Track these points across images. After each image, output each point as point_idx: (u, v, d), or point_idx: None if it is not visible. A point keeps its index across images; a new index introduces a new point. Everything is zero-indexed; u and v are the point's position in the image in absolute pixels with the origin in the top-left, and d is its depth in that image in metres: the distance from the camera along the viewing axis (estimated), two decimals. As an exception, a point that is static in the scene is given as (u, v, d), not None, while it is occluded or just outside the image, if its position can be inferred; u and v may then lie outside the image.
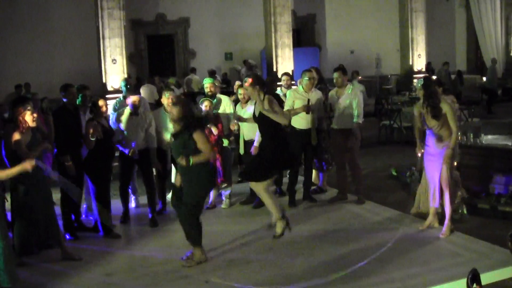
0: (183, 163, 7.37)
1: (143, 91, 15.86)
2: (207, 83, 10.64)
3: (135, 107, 9.64)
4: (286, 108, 10.28)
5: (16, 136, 7.40)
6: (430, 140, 8.47)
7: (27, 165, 6.75)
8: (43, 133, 8.46)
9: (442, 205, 8.58)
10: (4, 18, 22.05)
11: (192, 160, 7.35)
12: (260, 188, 8.11)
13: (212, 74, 23.36)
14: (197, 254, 7.72)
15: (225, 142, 10.29)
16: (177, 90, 18.24)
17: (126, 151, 9.50)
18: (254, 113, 8.35)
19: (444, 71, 23.01)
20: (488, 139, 10.26)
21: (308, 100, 10.06)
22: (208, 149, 7.47)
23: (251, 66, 23.84)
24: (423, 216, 9.06)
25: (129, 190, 10.40)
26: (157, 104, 13.19)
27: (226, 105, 10.54)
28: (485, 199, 9.64)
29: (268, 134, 8.27)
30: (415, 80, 22.63)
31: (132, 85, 11.40)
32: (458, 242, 8.18)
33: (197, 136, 7.39)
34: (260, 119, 8.21)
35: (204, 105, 10.02)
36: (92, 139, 8.73)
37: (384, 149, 10.00)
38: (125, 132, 9.57)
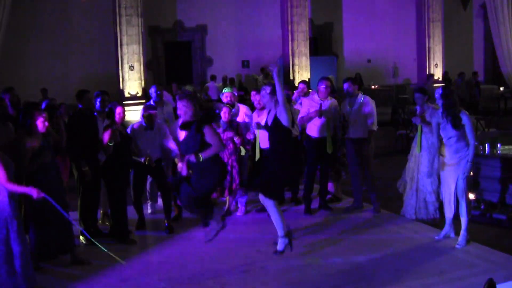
0: (192, 159, 7.38)
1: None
2: (227, 93, 10.69)
3: (150, 122, 9.69)
4: (300, 115, 10.32)
5: (27, 142, 7.42)
6: (447, 150, 8.44)
7: (34, 193, 6.85)
8: (55, 138, 8.54)
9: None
10: (24, 25, 22.22)
11: (201, 156, 7.35)
12: (270, 203, 8.07)
13: (230, 82, 23.46)
14: (213, 224, 7.69)
15: (243, 151, 10.32)
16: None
17: (142, 159, 9.52)
18: (266, 121, 8.32)
19: (459, 81, 22.96)
20: (505, 149, 10.20)
21: (320, 104, 10.08)
22: (217, 143, 7.46)
23: (268, 74, 23.83)
24: (438, 225, 9.06)
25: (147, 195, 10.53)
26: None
27: (245, 114, 10.58)
28: (502, 209, 9.60)
29: (278, 145, 8.15)
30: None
31: (162, 92, 11.45)
32: (475, 253, 8.14)
33: (206, 130, 7.41)
34: (272, 128, 8.14)
35: (223, 111, 10.05)
36: (110, 144, 8.76)
37: (400, 158, 9.98)
38: (137, 143, 9.62)
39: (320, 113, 10.04)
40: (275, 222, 8.02)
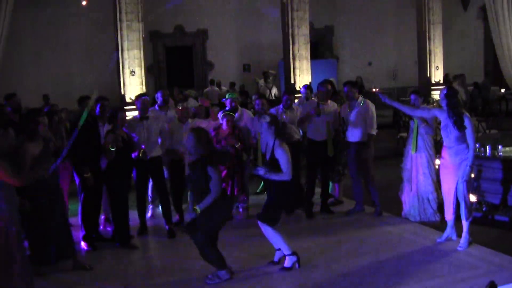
0: (191, 216, 7.38)
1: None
2: (231, 98, 10.70)
3: (143, 110, 9.71)
4: (299, 117, 10.37)
5: (27, 148, 7.42)
6: (446, 153, 8.44)
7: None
8: (55, 144, 8.56)
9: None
10: (25, 32, 22.24)
11: (199, 209, 7.31)
12: (267, 228, 8.07)
13: (231, 86, 23.48)
14: (222, 273, 7.66)
15: (244, 157, 10.32)
16: (194, 101, 18.25)
17: (135, 154, 9.44)
18: (264, 152, 8.24)
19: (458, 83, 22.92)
20: (506, 150, 10.19)
21: (318, 103, 10.09)
22: (216, 189, 7.35)
23: (269, 76, 23.84)
24: (439, 227, 9.07)
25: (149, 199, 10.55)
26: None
27: (247, 119, 10.60)
28: (504, 211, 9.59)
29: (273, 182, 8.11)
30: (433, 92, 22.53)
31: (168, 97, 11.46)
32: (477, 255, 8.14)
33: (211, 172, 7.33)
34: (270, 163, 8.03)
35: (226, 120, 10.06)
36: (112, 149, 8.77)
37: (402, 161, 10.00)
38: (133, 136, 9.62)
39: (318, 111, 10.04)
40: (280, 245, 8.01)
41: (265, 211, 8.02)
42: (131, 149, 9.23)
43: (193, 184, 7.45)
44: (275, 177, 7.71)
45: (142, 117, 9.79)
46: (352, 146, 10.35)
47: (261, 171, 7.46)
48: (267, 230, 8.02)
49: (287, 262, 7.95)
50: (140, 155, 9.34)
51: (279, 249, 8.08)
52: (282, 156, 7.73)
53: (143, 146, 9.41)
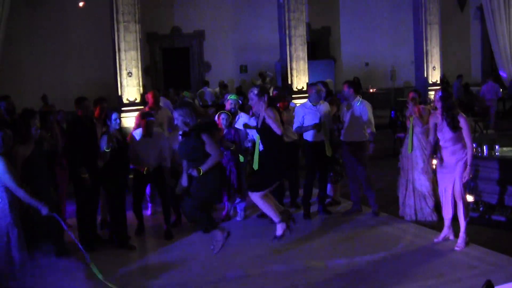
0: (194, 174, 7.42)
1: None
2: (232, 100, 10.69)
3: (147, 130, 9.71)
4: (296, 124, 10.32)
5: (18, 150, 7.42)
6: (443, 153, 8.45)
7: (44, 210, 6.99)
8: (52, 145, 8.57)
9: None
10: (22, 33, 22.23)
11: (202, 170, 7.39)
12: (256, 197, 8.13)
13: (224, 87, 23.51)
14: (218, 236, 7.71)
15: (241, 158, 10.32)
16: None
17: (141, 170, 9.56)
18: (257, 124, 8.41)
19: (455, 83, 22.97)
20: (503, 151, 10.22)
21: (320, 118, 10.09)
22: (216, 152, 7.51)
23: (266, 77, 23.89)
24: (436, 227, 9.09)
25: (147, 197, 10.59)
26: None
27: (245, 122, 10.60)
28: (501, 211, 9.61)
29: (269, 145, 8.30)
30: (430, 92, 22.58)
31: (158, 98, 11.48)
32: (474, 254, 8.15)
33: (205, 138, 7.44)
34: (262, 130, 8.25)
35: (221, 118, 10.07)
36: (106, 150, 8.78)
37: (399, 160, 10.03)
38: (135, 150, 9.66)
39: (319, 127, 10.05)
40: (267, 211, 8.07)
41: (254, 181, 8.12)
42: (126, 150, 9.25)
43: (189, 152, 7.50)
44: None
45: (145, 135, 9.79)
46: (349, 146, 10.35)
47: (194, 172, 7.48)
48: (256, 199, 8.06)
49: (278, 230, 7.99)
50: (145, 172, 9.45)
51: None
52: (271, 118, 7.91)
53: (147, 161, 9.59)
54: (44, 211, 6.93)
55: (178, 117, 7.57)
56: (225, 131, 10.10)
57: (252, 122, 10.06)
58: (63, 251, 8.09)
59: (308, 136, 10.34)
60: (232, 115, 10.41)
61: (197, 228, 8.27)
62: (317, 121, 10.05)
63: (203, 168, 7.40)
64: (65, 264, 7.27)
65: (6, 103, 10.51)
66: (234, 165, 10.14)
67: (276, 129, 7.97)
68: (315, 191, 10.76)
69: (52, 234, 7.81)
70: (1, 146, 6.75)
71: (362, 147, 10.30)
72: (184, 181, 7.81)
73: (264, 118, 8.02)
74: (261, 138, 8.38)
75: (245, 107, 12.36)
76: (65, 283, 6.98)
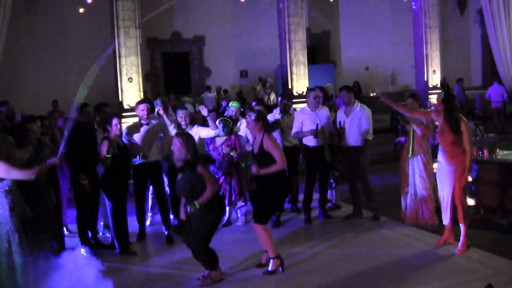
0: (192, 211, 7.41)
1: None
2: (233, 107, 10.69)
3: (144, 116, 9.74)
4: (294, 129, 10.33)
5: (16, 154, 7.41)
6: (443, 156, 8.46)
7: (54, 161, 7.00)
8: (53, 150, 8.58)
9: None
10: (23, 39, 22.27)
11: (198, 205, 7.36)
12: (259, 227, 8.09)
13: (224, 92, 23.53)
14: (213, 274, 7.73)
15: (242, 164, 10.32)
16: (190, 107, 18.30)
17: (137, 157, 9.51)
18: (252, 149, 8.30)
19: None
20: (504, 154, 10.22)
21: (317, 124, 10.09)
22: (212, 185, 7.48)
23: (266, 83, 23.91)
24: (437, 231, 9.10)
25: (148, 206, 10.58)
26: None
27: (247, 129, 10.60)
28: (501, 214, 9.60)
29: (267, 176, 8.09)
30: (430, 96, 22.58)
31: (167, 104, 11.48)
32: (475, 258, 8.15)
33: (202, 172, 7.44)
34: (259, 156, 8.11)
35: (222, 125, 10.06)
36: (107, 155, 8.78)
37: (399, 165, 10.02)
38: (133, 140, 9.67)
39: (316, 133, 10.05)
40: (266, 245, 8.04)
41: (256, 210, 8.09)
42: (127, 156, 9.26)
43: (185, 186, 7.49)
44: (271, 169, 7.75)
45: (142, 123, 9.82)
46: (349, 150, 10.36)
47: (188, 208, 7.46)
48: (257, 230, 8.05)
49: (271, 266, 7.98)
50: (141, 157, 9.41)
51: (266, 251, 8.13)
52: (273, 148, 7.85)
53: (138, 157, 9.55)
54: (55, 161, 6.92)
55: (177, 144, 7.53)
56: (225, 138, 10.10)
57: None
58: (63, 247, 8.10)
59: (307, 141, 10.35)
60: (234, 122, 10.42)
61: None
62: (314, 126, 10.06)
63: (198, 202, 7.39)
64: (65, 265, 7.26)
65: (5, 109, 10.53)
66: (235, 171, 10.14)
67: (280, 162, 7.89)
68: (315, 196, 10.76)
69: (53, 230, 7.80)
70: None
71: (361, 151, 10.30)
72: (182, 215, 7.78)
73: (261, 145, 7.94)
74: (258, 163, 8.20)
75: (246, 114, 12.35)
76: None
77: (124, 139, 9.59)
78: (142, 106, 9.86)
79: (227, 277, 7.88)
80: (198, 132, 9.89)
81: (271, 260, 7.99)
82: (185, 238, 7.85)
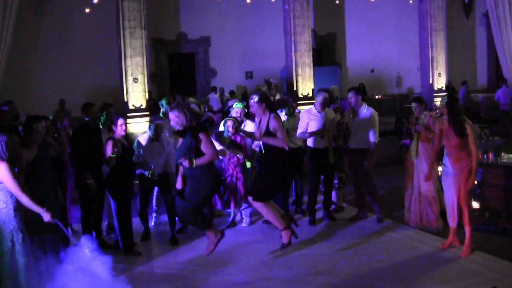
0: (185, 164, 7.44)
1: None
2: (238, 108, 10.69)
3: (156, 132, 9.75)
4: (300, 129, 10.35)
5: (22, 154, 7.42)
6: (448, 159, 8.45)
7: (46, 217, 6.86)
8: (58, 151, 8.60)
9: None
10: (29, 39, 22.29)
11: (195, 162, 7.40)
12: (259, 205, 8.13)
13: (231, 93, 23.53)
14: (211, 237, 7.74)
15: (248, 164, 10.33)
16: (196, 108, 18.32)
17: (146, 173, 9.60)
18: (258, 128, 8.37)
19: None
20: (509, 157, 10.20)
21: (324, 125, 10.10)
22: (211, 151, 7.56)
23: (271, 84, 23.92)
24: (442, 234, 9.09)
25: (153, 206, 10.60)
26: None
27: (251, 129, 10.59)
28: (506, 218, 9.59)
29: (271, 152, 8.24)
30: (435, 99, 22.56)
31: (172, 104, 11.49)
32: (479, 261, 8.14)
33: (201, 137, 7.47)
34: (267, 136, 8.21)
35: (228, 125, 10.06)
36: (112, 155, 8.79)
37: (404, 167, 10.02)
38: (142, 154, 9.69)
39: (323, 133, 10.07)
40: (271, 219, 8.07)
41: (255, 189, 8.12)
42: (131, 156, 9.27)
43: (186, 152, 7.51)
44: (272, 141, 7.78)
45: (153, 139, 9.82)
46: (354, 152, 10.36)
47: (185, 162, 7.50)
48: (259, 207, 8.08)
49: (284, 238, 8.00)
50: (150, 176, 9.46)
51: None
52: (279, 127, 7.89)
53: (152, 166, 9.62)
54: (46, 217, 6.91)
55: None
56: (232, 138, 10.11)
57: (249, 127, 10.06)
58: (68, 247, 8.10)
59: (312, 142, 10.35)
60: (238, 123, 10.42)
61: (203, 234, 8.27)
62: (321, 127, 10.08)
63: (197, 162, 7.43)
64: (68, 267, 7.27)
65: (10, 108, 10.51)
66: (241, 171, 10.14)
67: (281, 139, 7.94)
68: (320, 197, 10.76)
69: (57, 229, 7.79)
70: (5, 151, 6.73)
71: (367, 153, 10.29)
72: (178, 184, 7.85)
73: (267, 126, 7.99)
74: (263, 145, 8.33)
75: (250, 115, 12.35)
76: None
77: (135, 150, 9.63)
78: (154, 124, 9.85)
79: (232, 279, 7.88)
80: None
81: (282, 233, 8.00)
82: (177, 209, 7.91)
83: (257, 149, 10.27)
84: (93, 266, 7.31)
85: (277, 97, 22.64)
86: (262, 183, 8.34)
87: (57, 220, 7.09)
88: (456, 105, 8.40)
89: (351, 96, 10.45)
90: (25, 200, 6.74)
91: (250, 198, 8.43)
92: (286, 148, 8.14)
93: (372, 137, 10.27)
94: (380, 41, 28.60)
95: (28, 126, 7.83)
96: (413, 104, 9.92)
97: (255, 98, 8.13)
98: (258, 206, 8.18)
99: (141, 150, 9.72)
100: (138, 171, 9.73)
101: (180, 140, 7.81)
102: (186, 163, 7.46)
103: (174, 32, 25.68)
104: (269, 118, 8.05)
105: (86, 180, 9.02)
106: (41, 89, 22.27)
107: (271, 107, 8.21)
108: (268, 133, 8.05)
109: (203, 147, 7.47)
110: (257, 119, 8.47)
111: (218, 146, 9.70)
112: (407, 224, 9.93)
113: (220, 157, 9.79)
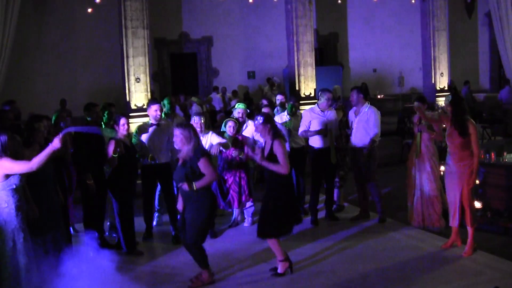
0: (185, 188, 7.42)
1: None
2: (240, 109, 10.70)
3: (155, 117, 9.77)
4: (302, 128, 10.34)
5: (23, 154, 7.41)
6: (451, 159, 8.45)
7: (56, 143, 6.66)
8: (61, 150, 8.60)
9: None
10: (31, 39, 22.31)
11: (195, 185, 7.38)
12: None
13: (233, 93, 23.55)
14: (204, 276, 7.75)
15: (251, 164, 10.34)
16: (198, 107, 18.33)
17: (146, 160, 9.54)
18: (263, 152, 8.25)
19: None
20: (511, 157, 10.20)
21: (327, 124, 10.10)
22: (211, 173, 7.49)
23: (274, 84, 23.92)
24: (444, 233, 9.09)
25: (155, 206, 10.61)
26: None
27: (253, 130, 10.60)
28: (508, 217, 9.58)
29: (275, 179, 7.98)
30: (438, 99, 22.56)
31: (174, 104, 11.49)
32: (481, 261, 8.14)
33: (202, 163, 7.44)
34: (267, 159, 8.06)
35: (229, 125, 10.07)
36: (114, 155, 8.79)
37: (406, 167, 10.01)
38: (145, 143, 9.71)
39: (325, 132, 10.07)
40: (273, 248, 8.03)
41: (262, 224, 8.04)
42: (134, 156, 9.27)
43: (186, 172, 7.49)
44: (272, 166, 7.73)
45: (153, 123, 9.84)
46: (357, 151, 10.35)
47: (185, 186, 7.48)
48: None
49: (280, 268, 7.98)
50: (149, 159, 9.43)
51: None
52: (281, 154, 7.79)
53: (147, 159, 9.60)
54: (56, 144, 6.82)
55: (179, 135, 7.54)
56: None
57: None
58: (70, 247, 8.11)
59: (314, 142, 10.35)
60: (240, 123, 10.43)
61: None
62: (321, 127, 10.08)
63: (197, 185, 7.41)
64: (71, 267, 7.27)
65: (12, 108, 10.53)
66: (244, 171, 10.14)
67: (284, 165, 7.83)
68: (322, 197, 10.76)
69: (59, 229, 7.80)
70: (5, 150, 6.72)
71: (370, 152, 10.28)
72: (179, 205, 7.82)
73: (271, 148, 7.89)
74: (266, 170, 8.17)
75: (253, 114, 12.36)
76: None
77: (134, 139, 9.63)
78: (155, 107, 9.86)
79: (234, 279, 7.89)
80: (211, 140, 9.85)
81: (280, 263, 7.99)
82: (180, 234, 7.87)
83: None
84: (95, 265, 7.34)
85: (279, 97, 22.65)
86: (268, 217, 8.13)
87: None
88: (461, 105, 8.39)
89: (352, 94, 10.46)
90: (40, 160, 6.67)
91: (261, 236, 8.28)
92: (285, 172, 7.94)
93: (371, 133, 10.21)
94: (382, 40, 28.61)
95: (29, 125, 7.82)
96: (415, 103, 9.89)
97: (260, 120, 8.04)
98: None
99: (141, 137, 9.73)
100: (143, 162, 9.68)
101: (180, 161, 7.75)
102: (185, 186, 7.43)
103: (176, 31, 25.71)
104: (272, 142, 7.92)
105: (86, 180, 9.02)
106: (43, 88, 22.31)
107: (275, 130, 8.07)
108: (271, 156, 7.90)
109: (203, 169, 7.43)
110: (264, 140, 8.31)
111: (222, 140, 9.72)
112: (409, 224, 9.93)
113: (223, 150, 9.81)
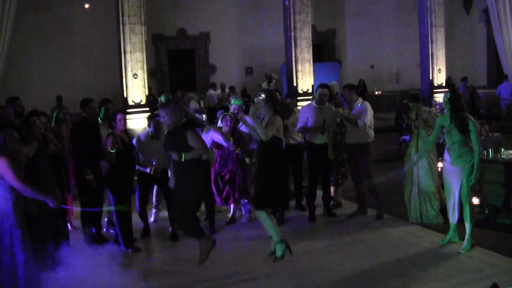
0: (174, 157, 7.47)
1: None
2: (236, 104, 10.68)
3: (156, 130, 9.77)
4: (300, 124, 10.33)
5: (21, 150, 7.41)
6: (450, 155, 8.43)
7: (51, 203, 6.85)
8: (58, 147, 8.59)
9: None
10: (29, 35, 22.31)
11: (185, 155, 7.42)
12: (259, 213, 8.08)
13: (231, 89, 23.53)
14: (203, 244, 7.74)
15: (247, 160, 10.33)
16: (196, 104, 18.33)
17: (147, 170, 9.59)
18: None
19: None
20: (509, 153, 10.19)
21: (324, 120, 10.08)
22: (200, 146, 7.59)
23: (272, 79, 23.92)
24: (442, 230, 9.09)
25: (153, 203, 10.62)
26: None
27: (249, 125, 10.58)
28: (506, 214, 9.58)
29: (267, 152, 8.13)
30: (435, 95, 22.57)
31: (171, 100, 11.49)
32: (479, 257, 8.14)
33: (189, 134, 7.49)
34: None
35: (225, 120, 10.06)
36: (111, 151, 8.78)
37: (404, 163, 10.01)
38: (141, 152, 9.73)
39: (322, 129, 10.06)
40: (269, 230, 8.03)
41: (255, 196, 8.09)
42: (131, 152, 9.26)
43: (175, 144, 7.52)
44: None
45: (154, 137, 9.83)
46: (353, 148, 10.34)
47: (174, 155, 7.54)
48: (260, 216, 8.04)
49: (278, 251, 7.97)
50: (152, 172, 9.46)
51: (271, 237, 8.11)
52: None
53: (154, 162, 9.60)
54: (52, 204, 6.90)
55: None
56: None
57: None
58: (67, 243, 8.11)
59: (311, 138, 10.34)
60: (236, 119, 10.41)
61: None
62: (320, 123, 10.07)
63: (186, 155, 7.46)
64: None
65: (15, 105, 10.52)
66: (240, 167, 10.14)
67: (261, 133, 7.88)
68: (319, 193, 10.76)
69: (57, 225, 7.80)
70: (3, 147, 6.71)
71: (366, 149, 10.27)
72: (171, 183, 7.86)
73: (267, 124, 7.96)
74: (261, 142, 8.22)
75: (249, 109, 12.34)
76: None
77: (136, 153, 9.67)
78: (154, 122, 9.86)
79: (232, 276, 7.88)
80: (212, 137, 9.84)
81: (277, 245, 7.99)
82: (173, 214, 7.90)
83: (255, 146, 10.23)
84: (92, 262, 7.33)
85: (277, 93, 22.63)
86: (263, 187, 8.18)
87: (62, 206, 7.09)
88: (459, 101, 8.37)
89: (344, 92, 10.49)
90: (28, 191, 6.72)
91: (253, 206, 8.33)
92: (264, 138, 8.01)
93: (367, 131, 10.18)
94: (380, 37, 28.66)
95: (27, 122, 7.81)
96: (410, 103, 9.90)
97: (263, 96, 8.09)
98: (258, 214, 8.12)
99: (141, 147, 9.75)
100: (139, 167, 9.72)
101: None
102: (174, 155, 7.49)
103: (174, 28, 25.72)
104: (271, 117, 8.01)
105: (86, 175, 9.01)
106: (41, 85, 22.31)
107: (276, 106, 8.13)
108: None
109: (192, 142, 7.49)
110: (261, 116, 8.39)
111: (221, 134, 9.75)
112: (407, 220, 9.93)
113: (225, 143, 9.81)
